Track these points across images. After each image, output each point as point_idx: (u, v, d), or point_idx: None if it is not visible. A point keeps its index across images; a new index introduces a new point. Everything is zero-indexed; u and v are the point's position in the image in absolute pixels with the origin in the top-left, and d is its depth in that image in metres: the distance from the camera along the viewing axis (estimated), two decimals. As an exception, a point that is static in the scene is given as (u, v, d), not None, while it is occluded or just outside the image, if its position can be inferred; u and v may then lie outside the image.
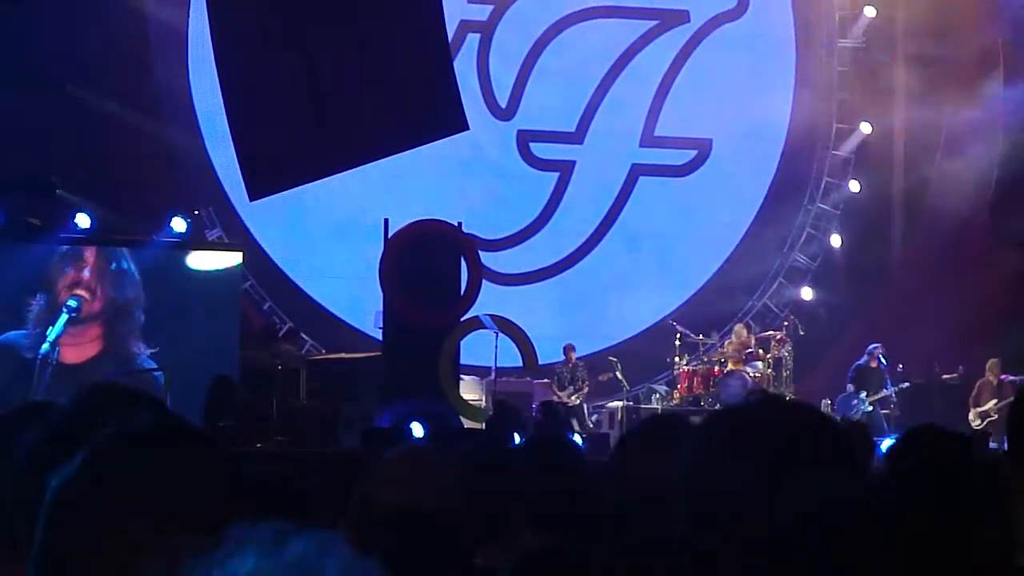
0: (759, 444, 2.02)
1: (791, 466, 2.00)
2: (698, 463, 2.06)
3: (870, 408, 18.62)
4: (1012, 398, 16.63)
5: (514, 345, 17.62)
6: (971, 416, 18.10)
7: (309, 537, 1.41)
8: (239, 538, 1.42)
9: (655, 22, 21.81)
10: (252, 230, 20.36)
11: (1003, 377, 18.38)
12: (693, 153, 21.96)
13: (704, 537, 2.01)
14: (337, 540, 1.43)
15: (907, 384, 18.91)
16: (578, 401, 19.00)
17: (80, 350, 14.12)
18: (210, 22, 14.21)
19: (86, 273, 13.91)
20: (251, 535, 1.42)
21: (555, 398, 18.48)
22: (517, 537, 3.22)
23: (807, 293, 21.65)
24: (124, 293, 14.11)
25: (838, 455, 2.04)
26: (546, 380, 19.18)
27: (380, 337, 17.58)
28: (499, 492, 3.27)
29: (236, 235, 20.04)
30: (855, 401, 18.66)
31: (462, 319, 17.13)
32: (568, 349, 19.46)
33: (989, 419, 17.83)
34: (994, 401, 18.12)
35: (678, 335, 19.98)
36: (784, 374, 19.77)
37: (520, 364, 17.93)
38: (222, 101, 14.23)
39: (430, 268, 16.76)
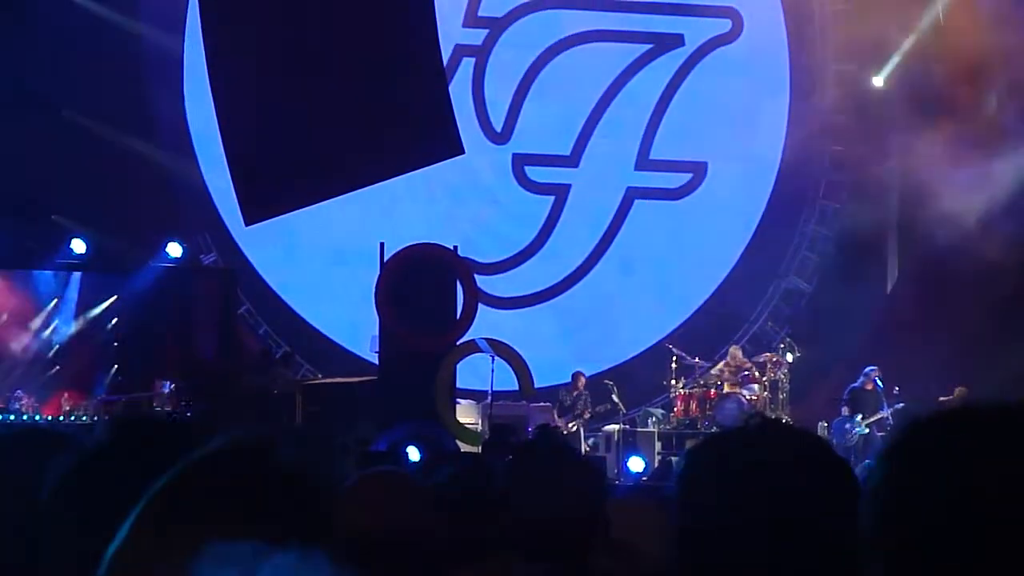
0: (751, 468, 2.02)
1: (786, 493, 2.00)
2: (692, 487, 2.06)
3: (866, 431, 18.59)
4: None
5: (510, 369, 17.61)
6: None
7: (288, 555, 1.41)
8: (217, 555, 1.42)
9: (650, 46, 21.85)
10: (248, 255, 20.36)
11: None
12: (688, 176, 21.98)
13: (693, 559, 2.01)
14: (318, 557, 1.43)
15: (902, 405, 18.88)
16: (575, 428, 18.94)
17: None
18: (205, 48, 14.26)
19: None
20: (230, 553, 1.42)
21: (554, 423, 18.42)
22: (495, 560, 3.22)
23: (803, 315, 21.64)
24: None
25: (835, 483, 2.04)
26: (543, 404, 19.14)
27: (376, 361, 17.57)
28: (480, 514, 3.27)
29: (232, 260, 20.06)
30: (849, 424, 18.63)
31: (458, 343, 17.13)
32: (577, 376, 19.36)
33: None
34: None
35: (674, 358, 19.96)
36: (780, 396, 19.75)
37: (516, 388, 17.91)
38: (217, 126, 14.26)
39: (426, 292, 16.77)
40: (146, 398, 16.08)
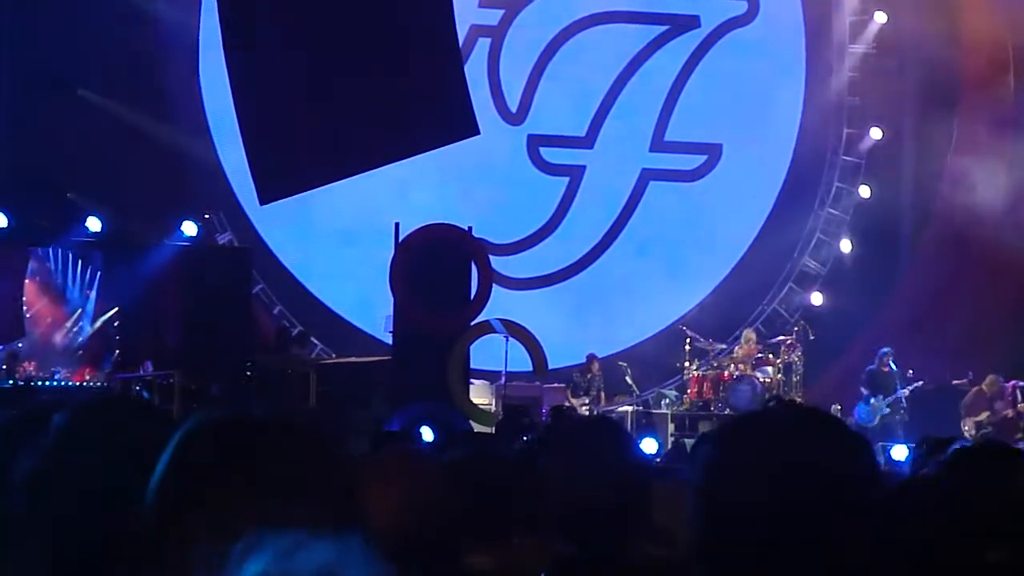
0: (777, 451, 2.02)
1: (808, 474, 2.00)
2: (715, 469, 2.07)
3: (887, 410, 18.65)
4: (1008, 412, 16.80)
5: (524, 349, 17.61)
6: (965, 425, 18.17)
7: (328, 544, 1.41)
8: (255, 541, 1.42)
9: (665, 27, 21.80)
10: (262, 234, 20.40)
11: (1009, 384, 18.41)
12: (703, 158, 21.95)
13: (718, 543, 2.01)
14: (357, 546, 1.42)
15: (921, 383, 18.93)
16: (587, 410, 18.93)
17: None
18: (221, 26, 14.24)
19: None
20: (269, 539, 1.42)
21: (567, 403, 18.43)
22: (513, 540, 3.22)
23: (817, 298, 21.63)
24: None
25: (856, 464, 2.05)
26: (557, 384, 19.15)
27: (390, 341, 17.58)
28: (496, 494, 3.28)
29: (246, 239, 20.09)
30: (868, 406, 18.71)
31: (472, 323, 17.13)
32: (592, 359, 19.35)
33: (983, 430, 17.92)
34: (986, 413, 18.24)
35: (688, 340, 19.97)
36: (794, 379, 19.76)
37: (530, 368, 17.92)
38: (233, 105, 14.25)
39: (440, 272, 16.76)
40: (133, 377, 17.57)
